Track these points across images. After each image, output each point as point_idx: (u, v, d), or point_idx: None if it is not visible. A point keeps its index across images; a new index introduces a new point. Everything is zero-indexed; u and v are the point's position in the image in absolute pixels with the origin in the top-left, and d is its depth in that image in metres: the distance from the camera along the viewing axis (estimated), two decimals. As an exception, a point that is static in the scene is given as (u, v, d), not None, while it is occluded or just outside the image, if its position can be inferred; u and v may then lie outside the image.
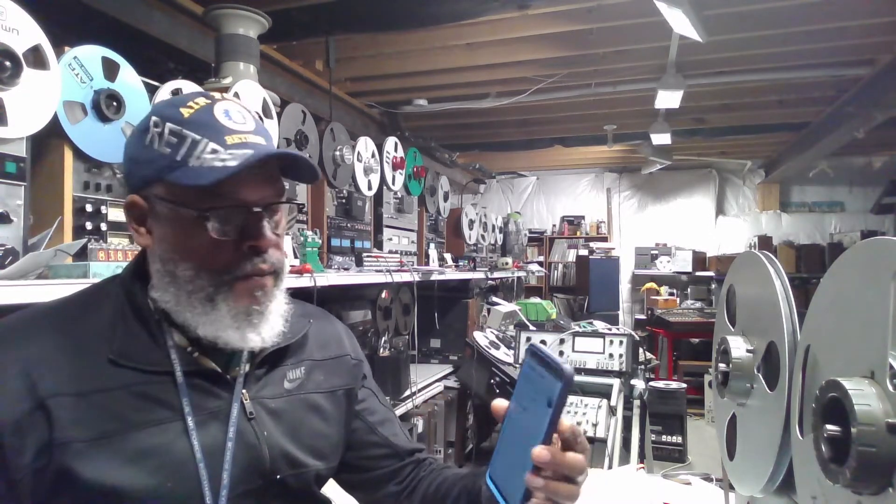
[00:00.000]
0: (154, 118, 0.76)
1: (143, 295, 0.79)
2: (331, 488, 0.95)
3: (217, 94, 0.81)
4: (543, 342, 2.50)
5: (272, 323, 0.81)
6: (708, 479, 1.64)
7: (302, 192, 2.23)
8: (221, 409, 0.78)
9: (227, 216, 0.75)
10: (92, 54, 1.40)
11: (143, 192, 0.77)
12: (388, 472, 0.98)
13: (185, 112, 0.76)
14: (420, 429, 2.79)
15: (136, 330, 0.77)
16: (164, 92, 1.56)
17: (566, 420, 0.65)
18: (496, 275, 4.17)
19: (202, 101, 0.78)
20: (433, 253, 3.40)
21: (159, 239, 0.77)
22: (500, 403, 0.70)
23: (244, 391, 0.81)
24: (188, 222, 0.75)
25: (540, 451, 0.62)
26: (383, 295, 2.73)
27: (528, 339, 2.57)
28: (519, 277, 5.19)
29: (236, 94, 1.85)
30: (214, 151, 0.74)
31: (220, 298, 0.77)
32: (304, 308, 0.97)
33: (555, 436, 0.64)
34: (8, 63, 1.19)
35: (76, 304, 0.80)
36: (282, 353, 0.87)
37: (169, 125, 0.75)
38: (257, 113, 1.92)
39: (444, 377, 3.27)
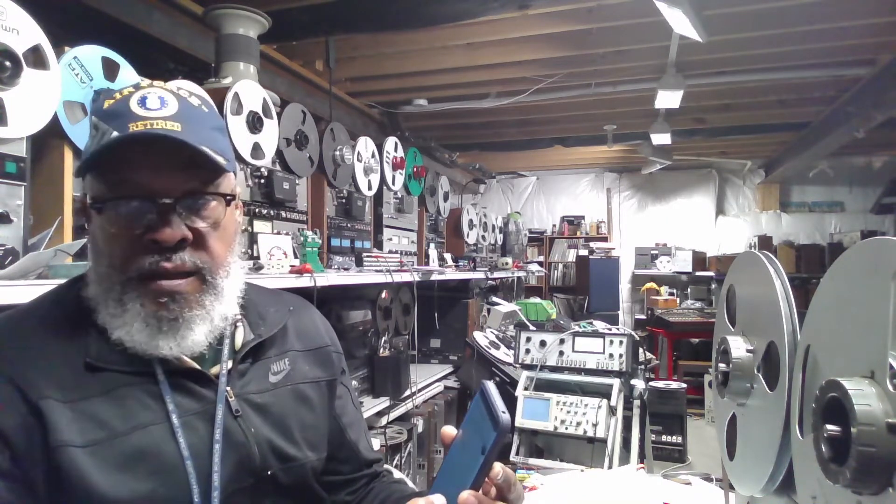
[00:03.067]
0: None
1: None
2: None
3: (148, 82, 0.78)
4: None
5: (196, 332, 0.75)
6: (708, 479, 1.64)
7: (302, 192, 2.23)
8: (206, 410, 0.76)
9: (120, 206, 0.71)
10: (92, 54, 1.40)
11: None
12: (345, 479, 0.95)
13: (107, 103, 0.73)
14: (420, 429, 2.79)
15: None
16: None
17: (498, 466, 0.66)
18: (496, 275, 4.17)
19: (129, 90, 0.75)
20: (433, 253, 3.40)
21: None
22: (448, 431, 0.71)
23: (228, 388, 0.79)
24: (94, 216, 0.73)
25: (466, 498, 0.63)
26: (383, 295, 2.73)
27: (528, 338, 2.56)
28: (519, 277, 5.20)
29: (236, 94, 1.85)
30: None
31: (129, 299, 0.72)
32: (281, 297, 0.95)
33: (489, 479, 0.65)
34: (8, 63, 1.19)
35: (41, 309, 0.76)
36: (264, 345, 0.85)
37: (93, 118, 0.74)
38: (254, 113, 1.91)
39: (444, 377, 3.27)
